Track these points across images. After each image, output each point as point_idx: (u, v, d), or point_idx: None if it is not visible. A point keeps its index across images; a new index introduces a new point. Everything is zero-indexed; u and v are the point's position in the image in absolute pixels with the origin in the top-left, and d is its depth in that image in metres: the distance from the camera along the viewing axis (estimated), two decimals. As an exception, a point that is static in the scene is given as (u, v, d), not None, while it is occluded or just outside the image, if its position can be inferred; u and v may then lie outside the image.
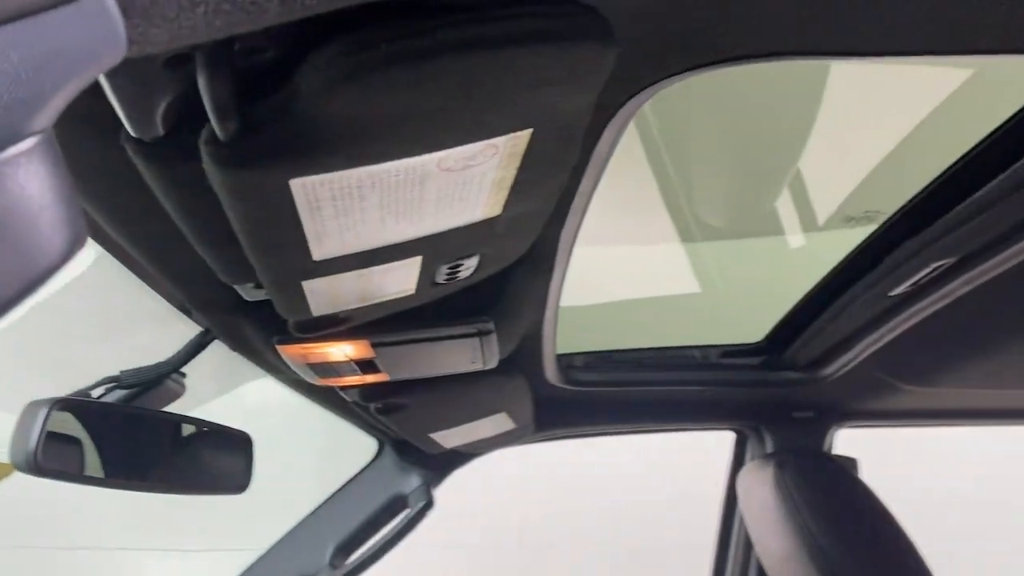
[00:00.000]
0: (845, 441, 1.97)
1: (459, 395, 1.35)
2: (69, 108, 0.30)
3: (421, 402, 1.31)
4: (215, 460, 1.22)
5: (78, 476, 1.04)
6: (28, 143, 0.27)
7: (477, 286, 0.91)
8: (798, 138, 1.31)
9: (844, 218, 1.27)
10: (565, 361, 1.72)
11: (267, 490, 1.62)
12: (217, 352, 1.12)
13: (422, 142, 0.54)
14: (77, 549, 4.38)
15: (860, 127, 1.30)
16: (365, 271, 0.73)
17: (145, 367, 1.11)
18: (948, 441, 4.19)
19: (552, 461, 3.98)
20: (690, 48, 0.62)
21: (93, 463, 1.05)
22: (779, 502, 1.58)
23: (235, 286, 0.80)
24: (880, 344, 1.47)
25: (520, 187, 0.65)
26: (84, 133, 0.57)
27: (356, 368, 1.08)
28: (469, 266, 0.83)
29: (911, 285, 1.21)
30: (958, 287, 1.16)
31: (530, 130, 0.57)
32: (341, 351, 1.01)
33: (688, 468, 3.61)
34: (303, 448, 3.49)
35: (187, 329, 1.09)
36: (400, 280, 0.80)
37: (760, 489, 1.65)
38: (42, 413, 0.96)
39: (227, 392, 1.64)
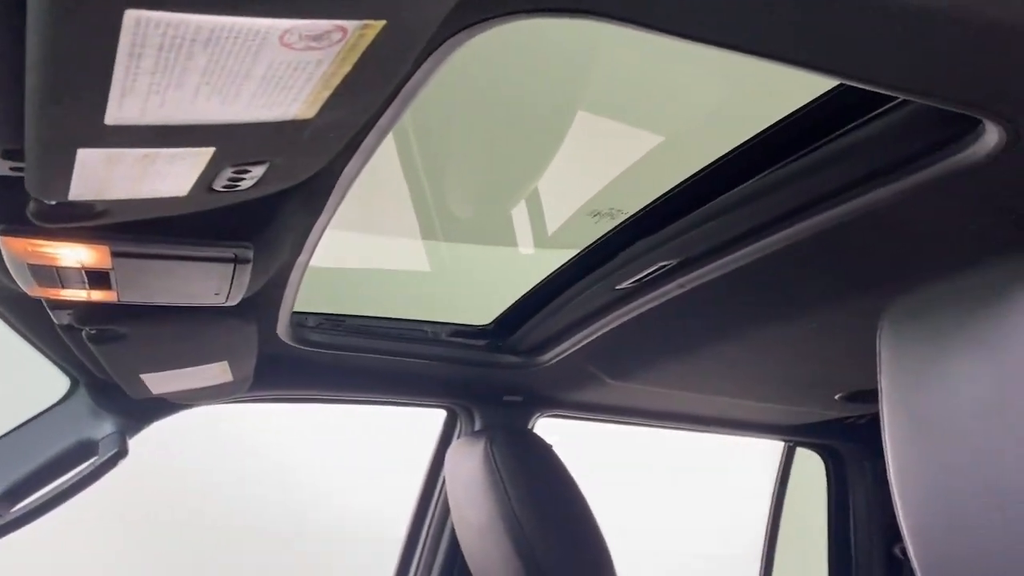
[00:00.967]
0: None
1: (186, 334, 1.24)
2: None
3: (144, 335, 1.18)
4: None
5: None
6: None
7: (243, 207, 0.84)
8: (556, 132, 1.42)
9: (591, 212, 1.40)
10: (297, 319, 1.66)
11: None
12: None
13: None
14: None
15: (627, 126, 1.45)
16: (152, 151, 0.65)
17: None
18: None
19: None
20: None
21: None
22: (485, 474, 1.68)
23: None
24: (595, 337, 1.63)
25: (344, 89, 0.63)
26: None
27: (84, 280, 0.95)
28: (254, 175, 0.77)
29: (635, 281, 1.36)
30: (673, 288, 1.33)
31: (383, 22, 0.55)
32: (75, 255, 0.88)
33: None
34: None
35: None
36: (180, 175, 0.72)
37: (469, 461, 1.74)
38: None
39: None
